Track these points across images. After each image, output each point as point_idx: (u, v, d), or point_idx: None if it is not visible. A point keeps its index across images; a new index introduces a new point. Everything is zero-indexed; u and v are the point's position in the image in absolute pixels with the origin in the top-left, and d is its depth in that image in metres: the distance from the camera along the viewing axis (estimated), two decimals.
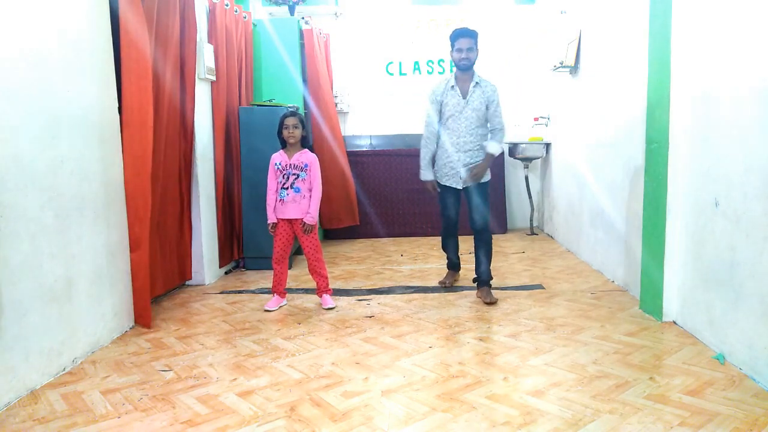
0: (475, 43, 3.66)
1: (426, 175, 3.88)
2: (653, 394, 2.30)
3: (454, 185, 3.81)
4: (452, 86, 3.72)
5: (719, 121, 2.70)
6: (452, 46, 3.68)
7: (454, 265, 4.20)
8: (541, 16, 6.27)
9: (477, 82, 3.70)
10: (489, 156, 3.74)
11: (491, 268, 3.84)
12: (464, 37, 3.63)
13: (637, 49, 3.51)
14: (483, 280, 3.78)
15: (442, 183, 3.86)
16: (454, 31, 3.68)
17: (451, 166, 3.77)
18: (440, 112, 3.76)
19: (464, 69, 3.68)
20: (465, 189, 3.82)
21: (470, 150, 3.74)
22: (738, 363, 2.53)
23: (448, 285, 4.11)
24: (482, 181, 3.79)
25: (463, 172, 3.75)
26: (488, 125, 3.80)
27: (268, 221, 3.65)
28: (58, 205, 2.69)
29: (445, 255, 4.28)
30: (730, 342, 2.60)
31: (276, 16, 6.21)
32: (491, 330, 3.15)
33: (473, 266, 3.91)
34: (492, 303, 3.63)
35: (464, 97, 3.70)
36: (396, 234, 6.33)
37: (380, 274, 4.58)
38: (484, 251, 3.78)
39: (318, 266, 3.70)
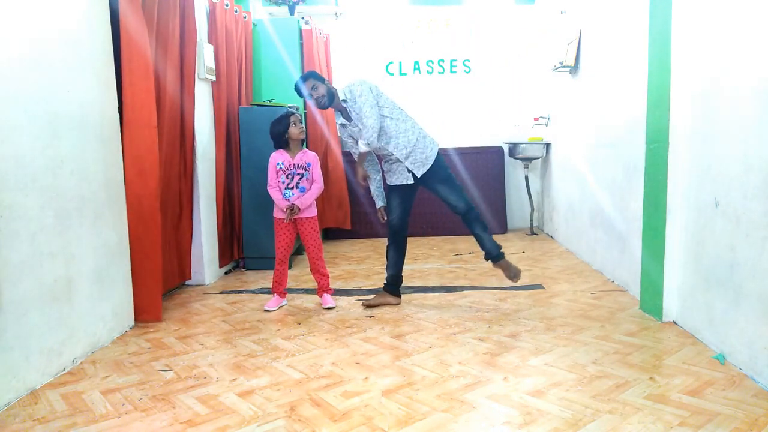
0: (318, 79, 3.46)
1: (378, 203, 3.71)
2: (653, 394, 2.30)
3: (405, 182, 3.56)
4: (341, 123, 3.57)
5: (719, 120, 2.70)
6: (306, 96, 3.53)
7: (387, 284, 3.71)
8: (541, 16, 6.27)
9: (344, 99, 3.45)
10: (359, 155, 3.48)
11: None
12: (303, 83, 3.47)
13: (637, 49, 3.51)
14: (494, 255, 3.54)
15: (392, 184, 3.63)
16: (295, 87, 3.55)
17: (393, 170, 3.59)
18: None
19: (326, 106, 3.47)
20: (424, 184, 3.56)
21: (395, 160, 3.53)
22: (738, 363, 2.52)
23: (372, 305, 3.64)
24: (429, 165, 3.51)
25: (409, 165, 3.50)
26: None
27: (283, 207, 3.59)
28: (58, 205, 2.69)
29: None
30: (730, 342, 2.60)
31: (276, 16, 6.21)
32: (491, 330, 3.15)
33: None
34: (517, 277, 3.53)
35: (350, 121, 3.51)
36: None
37: (380, 274, 4.57)
38: (480, 227, 3.54)
39: (320, 265, 3.71)
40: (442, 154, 3.62)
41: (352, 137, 3.60)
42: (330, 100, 3.46)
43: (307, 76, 3.50)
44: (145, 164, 3.32)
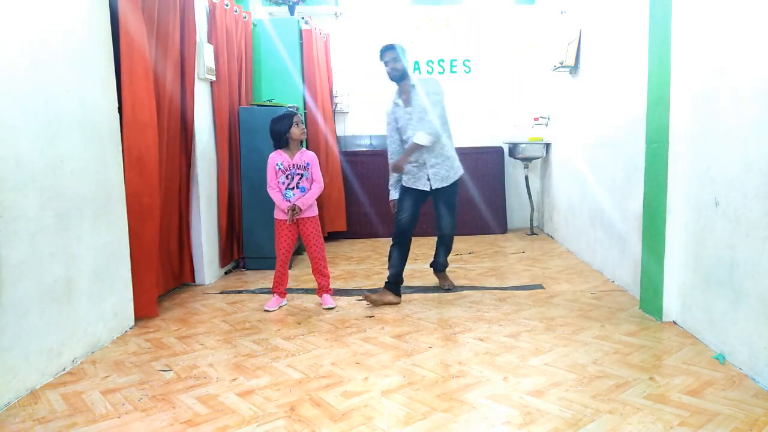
0: (400, 54, 3.62)
1: (392, 194, 3.90)
2: (653, 394, 2.30)
3: (420, 187, 3.74)
4: (396, 103, 3.73)
5: (719, 120, 2.70)
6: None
7: (389, 282, 3.73)
8: (541, 16, 6.27)
9: (413, 85, 3.65)
10: (410, 146, 3.60)
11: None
12: (386, 51, 3.64)
13: (637, 49, 3.51)
14: (441, 270, 4.08)
15: (407, 186, 3.78)
16: (380, 50, 3.70)
17: (414, 173, 3.74)
18: (399, 130, 3.76)
19: (395, 80, 3.68)
20: (434, 196, 3.79)
21: (422, 163, 3.69)
22: (738, 363, 2.53)
23: (373, 300, 3.65)
24: (445, 184, 3.74)
25: (431, 174, 3.71)
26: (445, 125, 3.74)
27: (284, 208, 3.58)
28: (58, 205, 2.69)
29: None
30: (730, 342, 2.60)
31: (276, 16, 6.21)
32: (491, 330, 3.15)
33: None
34: (452, 287, 3.97)
35: (407, 105, 3.67)
36: None
37: (380, 274, 4.57)
38: (446, 247, 4.02)
39: (322, 265, 3.72)
40: (460, 184, 3.89)
41: (398, 122, 3.73)
42: (401, 77, 3.66)
43: (395, 46, 3.64)
44: (145, 164, 3.33)
